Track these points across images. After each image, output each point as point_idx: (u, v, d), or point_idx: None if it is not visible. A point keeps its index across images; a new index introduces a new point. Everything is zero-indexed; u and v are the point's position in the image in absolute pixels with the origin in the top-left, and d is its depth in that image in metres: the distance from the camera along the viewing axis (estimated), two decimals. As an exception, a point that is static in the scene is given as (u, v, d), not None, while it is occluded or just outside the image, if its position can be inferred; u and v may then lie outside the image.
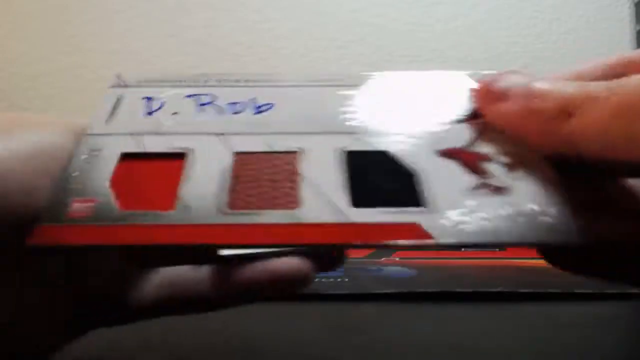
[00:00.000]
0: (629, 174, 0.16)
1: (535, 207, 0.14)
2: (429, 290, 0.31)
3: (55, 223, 0.14)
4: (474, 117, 0.18)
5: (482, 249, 0.41)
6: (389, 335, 0.25)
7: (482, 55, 0.65)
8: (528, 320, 0.27)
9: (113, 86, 0.20)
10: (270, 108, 0.19)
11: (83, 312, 0.18)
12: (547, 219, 0.14)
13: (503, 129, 0.17)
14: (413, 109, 0.19)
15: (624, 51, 0.20)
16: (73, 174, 0.16)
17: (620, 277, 0.16)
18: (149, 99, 0.19)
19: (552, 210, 0.14)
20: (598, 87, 0.14)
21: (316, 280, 0.30)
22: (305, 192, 0.15)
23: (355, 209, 0.15)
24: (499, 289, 0.31)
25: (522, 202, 0.15)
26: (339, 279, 0.34)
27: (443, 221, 0.14)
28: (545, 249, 0.16)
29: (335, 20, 0.67)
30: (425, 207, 0.15)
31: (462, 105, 0.18)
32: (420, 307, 0.29)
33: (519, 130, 0.16)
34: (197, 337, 0.25)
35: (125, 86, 0.20)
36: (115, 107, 0.19)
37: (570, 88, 0.14)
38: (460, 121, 0.18)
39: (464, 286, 0.31)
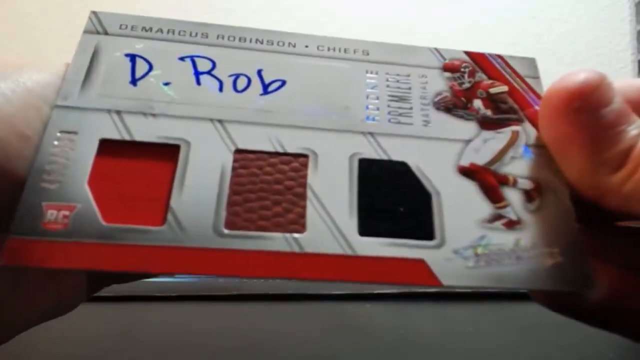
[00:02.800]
0: None
1: (545, 249, 0.14)
2: (429, 290, 0.31)
3: (29, 236, 0.12)
4: (512, 121, 0.16)
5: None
6: (389, 335, 0.25)
7: (482, 55, 0.65)
8: (528, 320, 0.27)
9: (89, 31, 0.16)
10: (279, 87, 0.16)
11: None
12: (555, 263, 0.14)
13: (546, 145, 0.15)
14: (443, 100, 0.17)
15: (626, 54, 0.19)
16: (45, 167, 0.13)
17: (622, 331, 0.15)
18: (132, 57, 0.16)
19: (561, 254, 0.14)
20: None
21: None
22: (312, 213, 0.14)
23: (362, 238, 0.14)
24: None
25: (533, 240, 0.14)
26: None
27: (449, 260, 0.13)
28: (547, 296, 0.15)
29: (335, 20, 0.67)
30: (433, 241, 0.14)
31: (498, 106, 0.17)
32: (420, 307, 0.29)
33: (567, 155, 0.14)
34: (197, 337, 0.25)
35: (105, 33, 0.16)
36: (92, 65, 0.15)
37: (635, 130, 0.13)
38: (493, 124, 0.16)
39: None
